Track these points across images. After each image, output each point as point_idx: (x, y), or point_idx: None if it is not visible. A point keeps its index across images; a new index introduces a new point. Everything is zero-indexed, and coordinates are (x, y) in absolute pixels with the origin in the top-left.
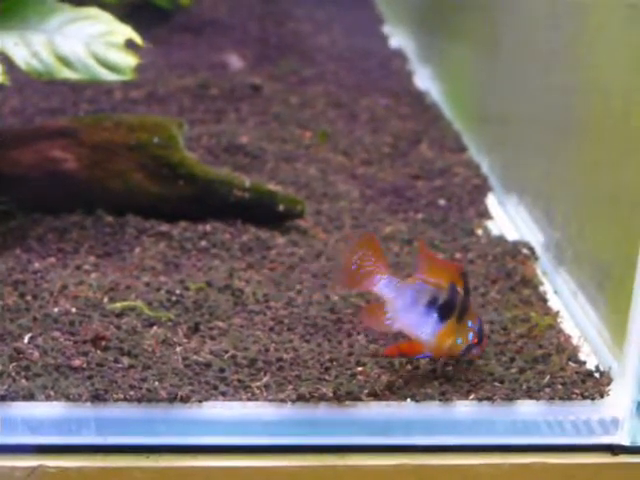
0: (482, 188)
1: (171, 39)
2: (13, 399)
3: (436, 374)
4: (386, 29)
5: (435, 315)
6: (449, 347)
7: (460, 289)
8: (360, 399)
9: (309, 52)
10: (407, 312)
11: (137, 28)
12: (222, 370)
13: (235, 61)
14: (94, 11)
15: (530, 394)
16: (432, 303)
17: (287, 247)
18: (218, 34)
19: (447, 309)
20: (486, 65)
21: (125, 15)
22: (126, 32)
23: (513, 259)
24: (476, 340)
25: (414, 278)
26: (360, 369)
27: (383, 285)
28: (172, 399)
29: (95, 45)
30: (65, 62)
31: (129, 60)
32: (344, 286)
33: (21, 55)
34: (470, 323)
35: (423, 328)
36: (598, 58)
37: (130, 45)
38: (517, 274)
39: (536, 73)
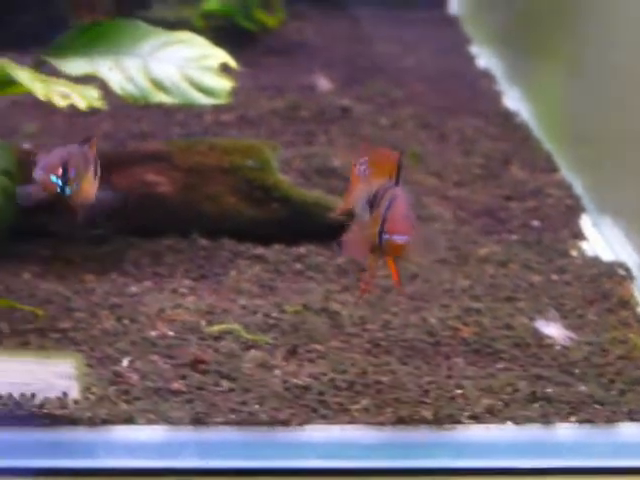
0: (575, 209)
1: (259, 61)
2: (114, 423)
3: (536, 396)
4: (473, 49)
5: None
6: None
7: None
8: (460, 422)
9: (396, 73)
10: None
11: (225, 51)
12: (321, 393)
13: (323, 83)
14: (187, 35)
15: (631, 416)
16: (368, 202)
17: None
18: (305, 56)
19: (370, 204)
20: (577, 84)
21: (212, 38)
22: (220, 56)
23: (609, 280)
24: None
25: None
26: (459, 392)
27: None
28: (273, 422)
29: (190, 69)
30: (160, 86)
31: (224, 84)
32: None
33: (116, 80)
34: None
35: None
36: None
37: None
38: (614, 295)
39: (632, 91)
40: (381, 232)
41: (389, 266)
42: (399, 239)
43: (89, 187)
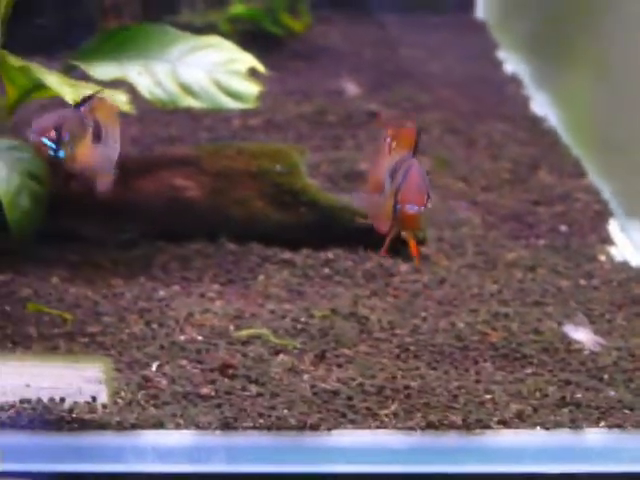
0: (603, 214)
1: (286, 66)
2: (142, 427)
3: (565, 401)
4: (501, 54)
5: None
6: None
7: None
8: (490, 427)
9: (423, 78)
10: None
11: (252, 55)
12: (350, 398)
13: (350, 88)
14: (216, 39)
15: None
16: (389, 176)
17: (410, 274)
18: (331, 60)
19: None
20: (605, 89)
21: (239, 42)
22: (248, 60)
23: (638, 285)
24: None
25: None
26: (488, 397)
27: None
28: (301, 427)
29: (218, 73)
30: (188, 91)
31: (252, 88)
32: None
33: (145, 84)
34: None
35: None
36: None
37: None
38: None
39: None
40: (395, 203)
41: (408, 239)
42: (411, 209)
43: (85, 151)
